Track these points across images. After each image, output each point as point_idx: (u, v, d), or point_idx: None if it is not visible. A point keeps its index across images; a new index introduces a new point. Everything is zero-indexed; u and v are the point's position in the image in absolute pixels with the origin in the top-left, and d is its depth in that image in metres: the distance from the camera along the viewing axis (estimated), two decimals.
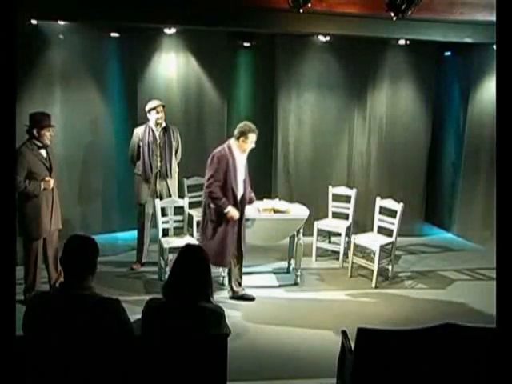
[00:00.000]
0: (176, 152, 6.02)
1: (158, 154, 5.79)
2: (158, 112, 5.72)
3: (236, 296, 5.26)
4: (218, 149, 4.94)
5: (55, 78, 6.13)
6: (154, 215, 5.79)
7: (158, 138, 5.80)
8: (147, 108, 5.78)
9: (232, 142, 4.97)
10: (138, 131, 5.83)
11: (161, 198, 5.79)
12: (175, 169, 6.00)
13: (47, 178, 4.81)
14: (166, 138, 5.83)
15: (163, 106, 5.80)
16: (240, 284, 5.28)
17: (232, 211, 4.86)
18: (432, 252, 6.92)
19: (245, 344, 4.40)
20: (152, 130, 5.78)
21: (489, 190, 6.73)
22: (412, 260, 6.57)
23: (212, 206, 4.89)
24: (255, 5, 5.28)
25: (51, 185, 4.84)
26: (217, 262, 4.92)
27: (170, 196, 5.87)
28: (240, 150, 4.97)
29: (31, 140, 4.78)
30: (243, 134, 4.92)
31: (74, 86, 6.31)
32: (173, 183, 5.98)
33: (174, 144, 5.94)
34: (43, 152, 4.87)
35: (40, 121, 4.78)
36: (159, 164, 5.81)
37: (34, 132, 4.75)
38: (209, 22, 5.62)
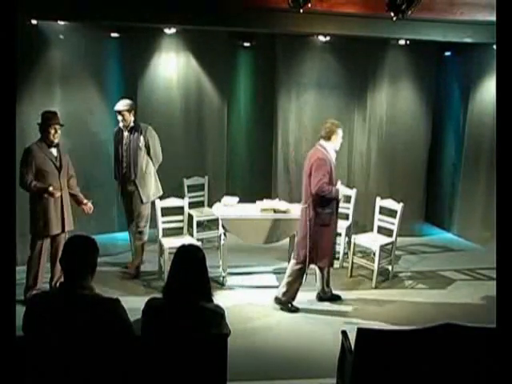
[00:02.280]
0: (148, 152, 5.71)
1: (125, 154, 5.67)
2: (120, 116, 5.59)
3: (325, 297, 5.28)
4: (317, 153, 4.90)
5: (55, 77, 6.13)
6: (128, 215, 5.81)
7: (125, 139, 5.67)
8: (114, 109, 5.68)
9: (323, 143, 4.96)
10: (115, 131, 5.82)
11: (131, 200, 5.70)
12: (144, 170, 5.69)
13: (51, 189, 4.78)
14: (133, 138, 5.62)
15: (128, 111, 5.59)
16: (328, 284, 5.30)
17: (341, 190, 4.98)
18: (432, 252, 6.92)
19: (245, 344, 4.39)
20: (121, 131, 5.71)
21: (489, 190, 6.73)
22: (412, 260, 6.57)
23: (320, 210, 4.86)
24: (255, 5, 5.27)
25: (56, 195, 4.83)
26: (330, 262, 5.04)
27: (140, 198, 5.66)
28: (334, 149, 5.00)
29: (42, 139, 4.87)
30: (333, 132, 4.95)
31: (74, 85, 6.30)
32: (144, 184, 5.70)
33: (141, 144, 5.63)
34: (54, 151, 4.92)
35: (45, 119, 4.85)
36: (125, 165, 5.67)
37: (42, 131, 4.85)
38: (209, 22, 5.61)
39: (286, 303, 5.06)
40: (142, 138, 5.65)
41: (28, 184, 4.76)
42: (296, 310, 5.06)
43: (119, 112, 5.59)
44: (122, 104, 5.61)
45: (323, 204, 4.87)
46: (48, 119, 4.85)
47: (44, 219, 4.86)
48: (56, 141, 4.92)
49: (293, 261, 5.09)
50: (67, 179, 5.08)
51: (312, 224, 4.88)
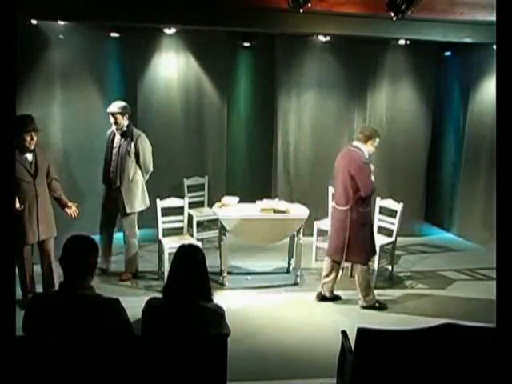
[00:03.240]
0: (137, 160, 5.51)
1: (114, 159, 5.49)
2: (113, 118, 5.43)
3: (330, 299, 5.35)
4: (355, 155, 4.98)
5: (55, 78, 6.12)
6: (107, 222, 5.67)
7: (115, 143, 5.51)
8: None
9: (358, 144, 5.04)
10: (108, 133, 5.61)
11: (116, 207, 5.52)
12: (131, 178, 5.48)
13: (17, 206, 4.46)
14: (124, 143, 5.46)
15: (121, 114, 5.42)
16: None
17: None
18: (432, 252, 6.92)
19: (245, 344, 4.39)
20: (114, 134, 5.54)
21: (489, 190, 6.73)
22: (412, 260, 6.56)
23: (362, 210, 4.97)
24: (255, 5, 5.28)
25: (17, 209, 4.46)
26: (368, 258, 5.15)
27: (124, 207, 5.47)
28: (367, 152, 5.08)
29: (16, 144, 4.49)
30: (373, 138, 5.07)
31: (74, 85, 6.30)
32: (130, 194, 5.49)
33: (131, 151, 5.45)
34: (29, 156, 4.64)
35: (21, 124, 4.50)
36: (113, 170, 5.49)
37: (16, 136, 4.42)
38: (209, 22, 5.61)
39: (373, 305, 5.17)
40: (132, 144, 5.45)
41: None
42: (385, 306, 5.21)
43: (112, 114, 5.41)
44: (116, 106, 5.42)
45: (366, 204, 4.99)
46: (24, 124, 4.52)
47: (20, 227, 4.56)
48: (32, 147, 4.62)
49: (328, 260, 5.20)
50: (48, 182, 4.82)
51: (354, 224, 4.96)
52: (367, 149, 5.06)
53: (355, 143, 5.07)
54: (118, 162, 5.46)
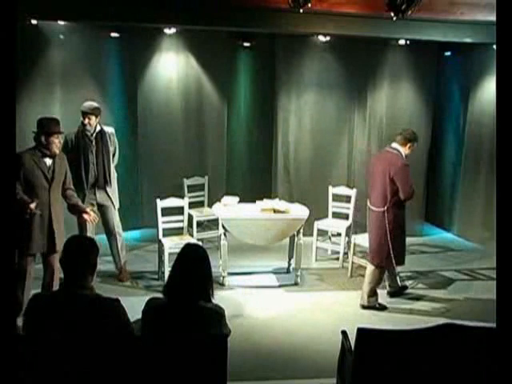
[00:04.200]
0: (113, 156, 5.50)
1: (94, 161, 5.27)
2: (87, 118, 5.21)
3: (399, 292, 5.45)
4: (394, 157, 4.96)
5: (55, 77, 6.13)
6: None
7: (93, 143, 5.27)
8: (81, 109, 5.26)
9: (397, 146, 5.03)
10: (70, 137, 5.21)
11: (102, 209, 5.40)
12: (114, 176, 5.49)
13: (32, 206, 4.25)
14: (103, 143, 5.31)
15: (95, 115, 5.24)
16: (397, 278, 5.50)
17: None
18: (432, 252, 6.92)
19: (245, 344, 4.40)
20: (86, 135, 5.24)
21: (489, 190, 6.73)
22: (412, 260, 6.55)
23: (398, 212, 5.01)
24: (255, 5, 5.28)
25: (32, 208, 4.25)
26: (403, 260, 5.24)
27: (113, 206, 5.44)
28: (405, 154, 5.06)
29: (38, 147, 4.38)
30: (412, 141, 5.05)
31: (74, 85, 6.30)
32: (113, 192, 5.46)
33: (112, 149, 5.43)
34: (48, 161, 4.41)
35: (47, 126, 4.36)
36: (95, 173, 5.29)
37: (42, 139, 4.35)
38: (209, 21, 5.61)
39: (374, 306, 5.16)
40: (110, 142, 5.38)
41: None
42: (385, 307, 5.19)
43: (86, 114, 5.19)
44: (90, 106, 5.23)
45: (403, 206, 5.03)
46: (50, 127, 4.36)
47: (28, 235, 4.30)
48: (58, 151, 4.45)
49: (371, 266, 5.16)
50: (62, 191, 4.59)
51: (391, 227, 4.99)
52: (405, 151, 5.05)
53: (394, 145, 5.06)
54: (103, 163, 5.29)
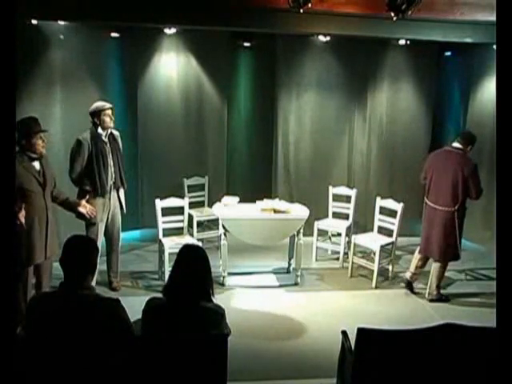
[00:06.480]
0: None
1: (112, 163, 5.08)
2: (108, 115, 5.02)
3: (437, 297, 5.43)
4: (464, 157, 5.07)
5: (55, 77, 6.13)
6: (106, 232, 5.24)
7: (107, 145, 5.07)
8: (94, 110, 5.02)
9: (459, 146, 5.12)
10: (86, 140, 4.95)
11: (111, 214, 5.18)
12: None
13: (20, 216, 3.93)
14: (116, 144, 5.17)
15: (112, 109, 5.10)
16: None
17: None
18: None
19: (245, 344, 4.40)
20: (100, 137, 5.02)
21: (489, 190, 6.72)
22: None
23: (463, 211, 5.18)
24: (255, 5, 5.27)
25: (20, 217, 3.94)
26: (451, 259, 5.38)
27: (121, 208, 5.27)
28: None
29: (22, 151, 4.04)
30: (473, 143, 5.17)
31: (74, 85, 6.29)
32: (122, 193, 5.28)
33: (121, 149, 5.27)
34: (36, 164, 4.12)
35: (28, 126, 4.04)
36: (113, 175, 5.10)
37: (23, 142, 4.02)
38: (209, 22, 5.61)
39: (441, 298, 5.37)
40: (120, 142, 5.25)
41: None
42: (448, 298, 5.41)
43: (103, 111, 4.98)
44: (106, 103, 5.08)
45: (465, 204, 5.17)
46: (31, 126, 4.05)
47: (28, 245, 4.05)
48: (44, 152, 4.15)
49: (437, 264, 5.32)
50: (51, 193, 4.31)
51: (460, 225, 5.20)
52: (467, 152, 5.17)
53: (456, 144, 5.12)
54: (119, 164, 5.16)
